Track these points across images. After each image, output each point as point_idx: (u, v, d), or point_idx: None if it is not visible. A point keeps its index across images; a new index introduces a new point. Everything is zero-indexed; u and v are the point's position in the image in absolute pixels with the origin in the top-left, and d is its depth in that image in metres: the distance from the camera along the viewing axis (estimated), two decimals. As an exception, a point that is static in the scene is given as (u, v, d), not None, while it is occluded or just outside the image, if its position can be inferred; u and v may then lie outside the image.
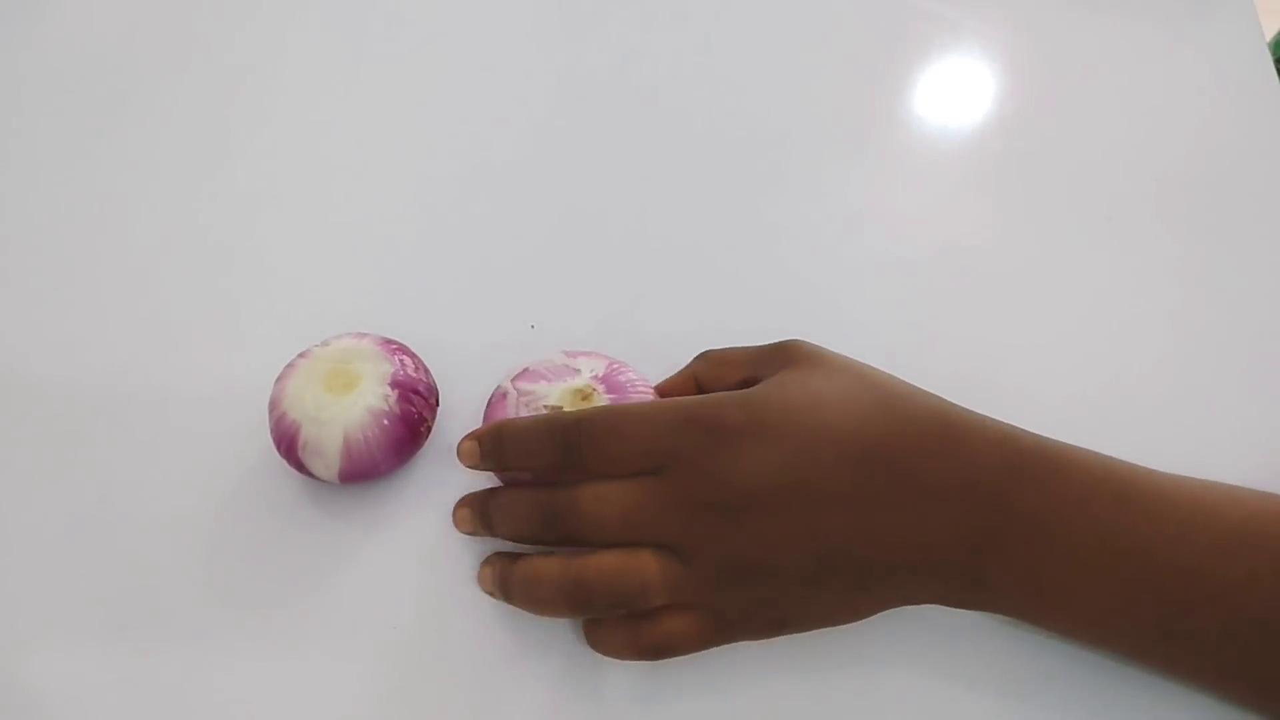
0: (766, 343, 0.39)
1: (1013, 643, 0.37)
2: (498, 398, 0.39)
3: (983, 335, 0.45)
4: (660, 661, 0.35)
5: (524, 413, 0.37)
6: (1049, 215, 0.49)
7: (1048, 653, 0.37)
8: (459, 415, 0.42)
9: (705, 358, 0.41)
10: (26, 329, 0.46)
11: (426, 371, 0.41)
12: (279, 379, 0.39)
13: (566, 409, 0.37)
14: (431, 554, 0.39)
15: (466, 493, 0.39)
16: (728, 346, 0.41)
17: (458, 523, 0.38)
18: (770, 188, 0.50)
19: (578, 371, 0.38)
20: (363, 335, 0.41)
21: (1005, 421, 0.35)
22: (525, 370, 0.39)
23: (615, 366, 0.39)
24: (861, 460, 0.33)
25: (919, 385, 0.37)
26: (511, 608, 0.37)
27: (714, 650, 0.34)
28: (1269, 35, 0.67)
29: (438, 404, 0.41)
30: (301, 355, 0.40)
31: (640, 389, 0.38)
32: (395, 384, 0.39)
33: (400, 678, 0.37)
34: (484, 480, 0.41)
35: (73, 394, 0.43)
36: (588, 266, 0.48)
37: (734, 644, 0.35)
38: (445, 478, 0.41)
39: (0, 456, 0.42)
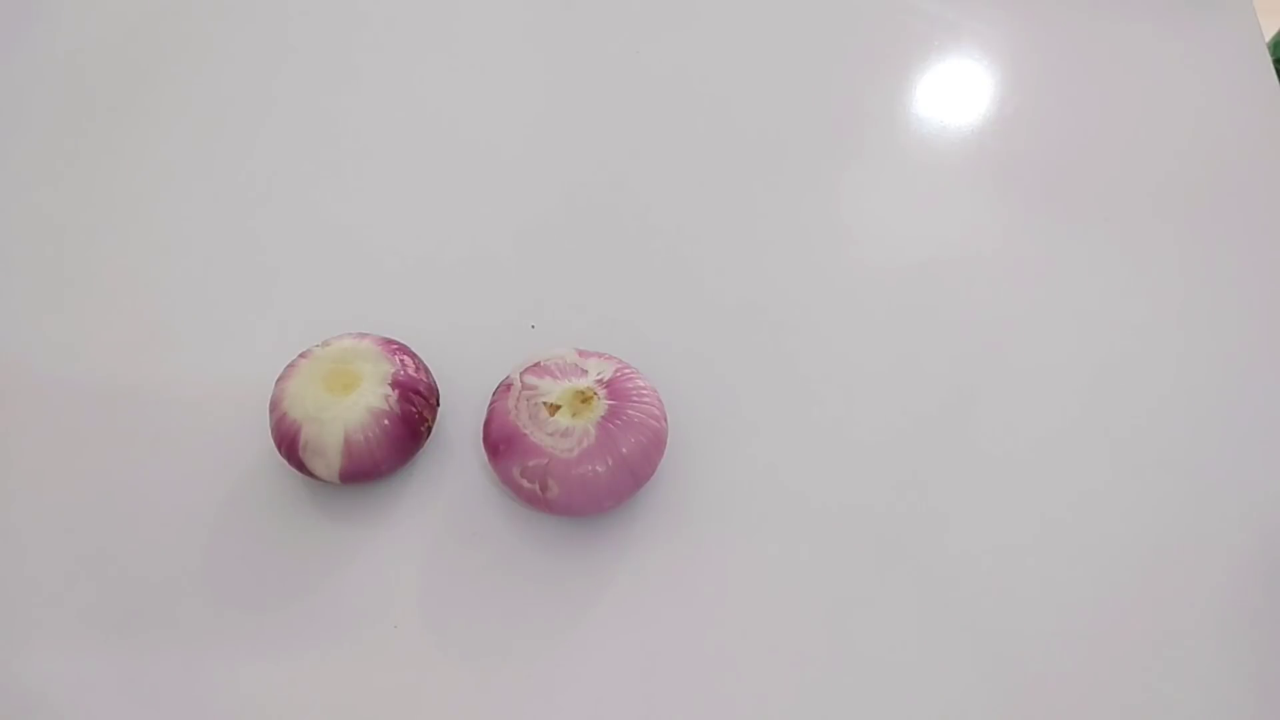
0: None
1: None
2: (503, 388, 0.39)
3: (981, 338, 0.45)
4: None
5: (524, 407, 0.37)
6: (1047, 216, 0.49)
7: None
8: (459, 415, 0.42)
9: None
10: (27, 329, 0.46)
11: (427, 371, 0.41)
12: (279, 379, 0.39)
13: (565, 409, 0.37)
14: (431, 554, 0.39)
15: (466, 493, 0.39)
16: None
17: None
18: (769, 189, 0.50)
19: (585, 373, 0.38)
20: (363, 335, 0.41)
21: None
22: (536, 364, 0.39)
23: (624, 372, 0.39)
24: None
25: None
26: (507, 611, 0.37)
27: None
28: (1269, 35, 0.67)
29: (438, 404, 0.41)
30: (302, 355, 0.40)
31: (646, 397, 0.38)
32: (395, 384, 0.39)
33: (400, 677, 0.37)
34: (483, 480, 0.41)
35: (73, 394, 0.43)
36: (588, 268, 0.48)
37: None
38: (445, 478, 0.41)
39: (1, 456, 0.42)
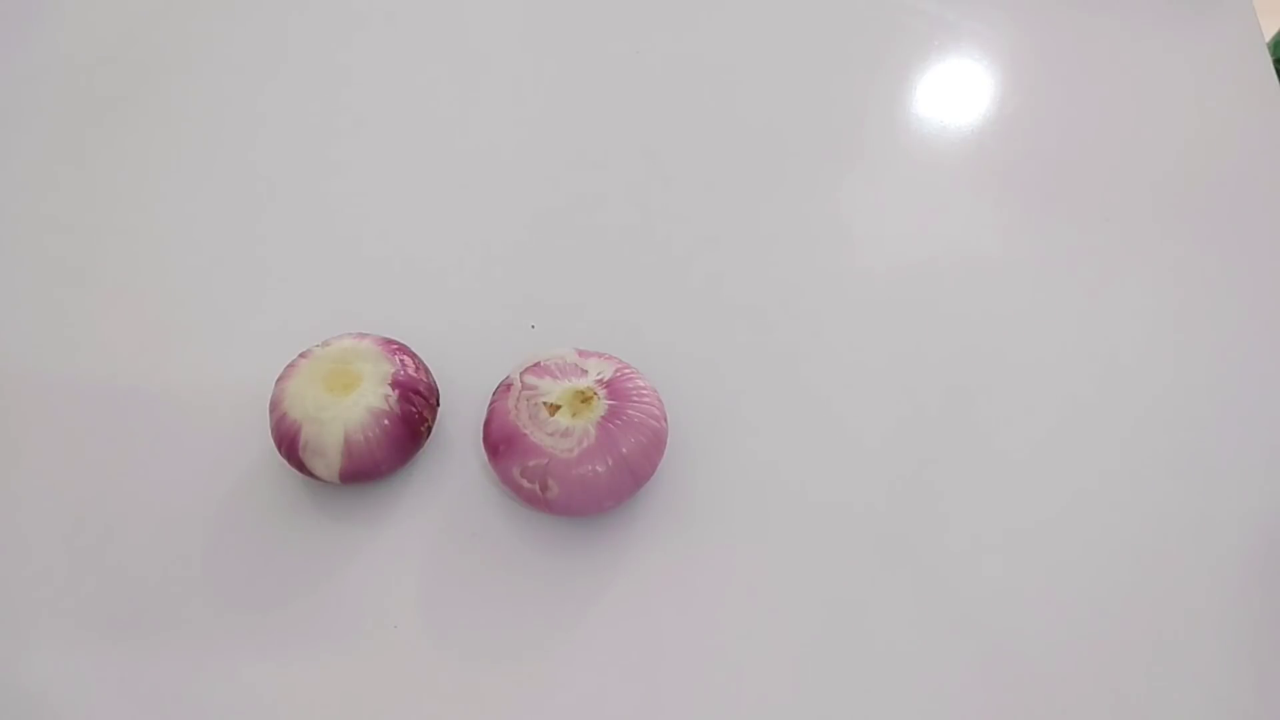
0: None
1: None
2: (503, 388, 0.39)
3: (980, 337, 0.45)
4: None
5: (524, 407, 0.37)
6: (1047, 217, 0.49)
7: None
8: (459, 415, 0.42)
9: None
10: (27, 329, 0.46)
11: (427, 371, 0.41)
12: (280, 379, 0.39)
13: (565, 409, 0.37)
14: (431, 554, 0.39)
15: (466, 493, 0.39)
16: None
17: None
18: (769, 189, 0.50)
19: (585, 373, 0.38)
20: (363, 335, 0.41)
21: None
22: (536, 364, 0.39)
23: (624, 372, 0.39)
24: None
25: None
26: (507, 611, 0.37)
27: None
28: (1268, 35, 0.67)
29: (438, 404, 0.41)
30: (302, 355, 0.40)
31: (645, 397, 0.38)
32: (395, 384, 0.39)
33: (400, 677, 0.37)
34: (483, 480, 0.41)
35: (73, 394, 0.43)
36: (588, 269, 0.48)
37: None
38: (445, 478, 0.41)
39: (1, 456, 0.42)
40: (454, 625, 0.38)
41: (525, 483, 0.37)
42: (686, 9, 0.58)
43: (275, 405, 0.39)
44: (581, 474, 0.36)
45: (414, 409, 0.39)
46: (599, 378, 0.38)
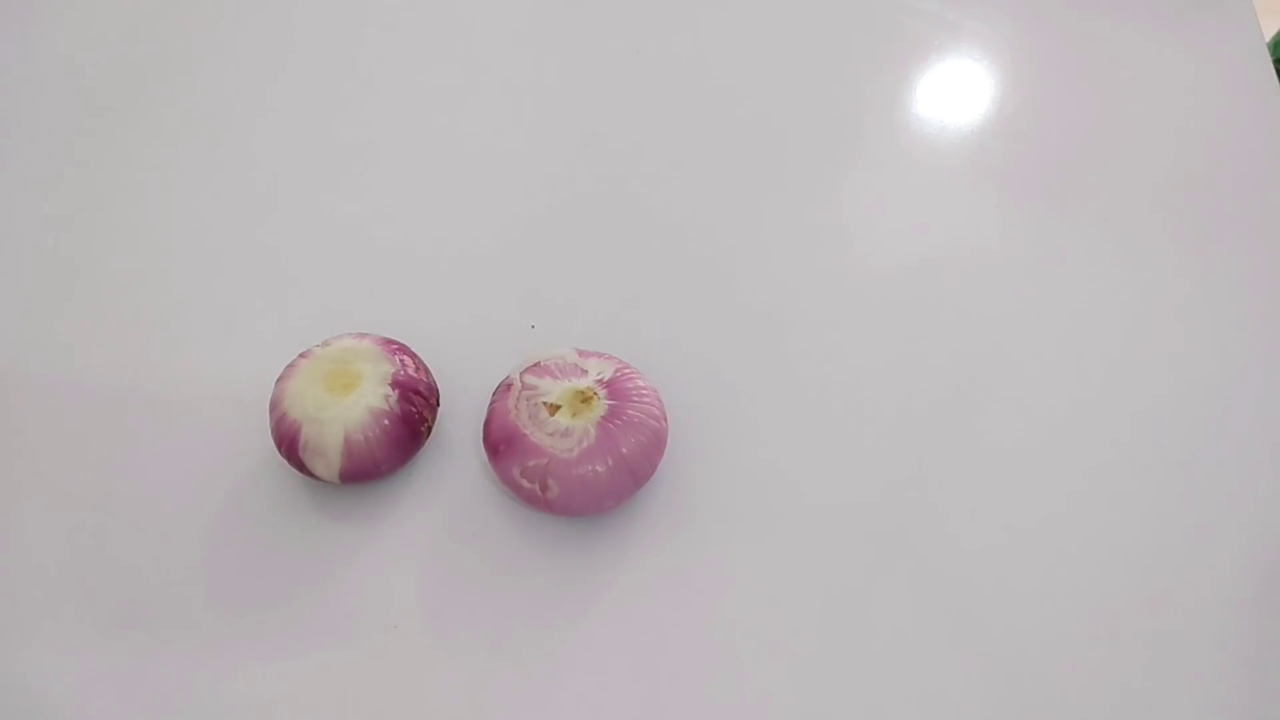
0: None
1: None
2: (503, 388, 0.39)
3: (980, 337, 0.45)
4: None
5: (524, 406, 0.37)
6: (1047, 216, 0.49)
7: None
8: (459, 415, 0.42)
9: None
10: (26, 329, 0.46)
11: (427, 371, 0.41)
12: (280, 379, 0.39)
13: (565, 409, 0.37)
14: (431, 554, 0.39)
15: (466, 493, 0.39)
16: None
17: None
18: (769, 189, 0.50)
19: (585, 373, 0.38)
20: (363, 335, 0.41)
21: None
22: (536, 364, 0.39)
23: (624, 372, 0.39)
24: None
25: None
26: (507, 611, 0.37)
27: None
28: (1269, 35, 0.67)
29: (438, 404, 0.41)
30: (302, 355, 0.40)
31: (646, 397, 0.38)
32: (395, 384, 0.39)
33: (400, 677, 0.37)
34: (483, 480, 0.41)
35: (73, 394, 0.43)
36: (588, 269, 0.48)
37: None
38: (445, 478, 0.41)
39: (1, 456, 0.42)
40: (454, 625, 0.38)
41: (525, 483, 0.37)
42: (686, 9, 0.58)
43: (275, 405, 0.39)
44: (581, 474, 0.36)
45: (414, 409, 0.39)
46: (599, 378, 0.38)
